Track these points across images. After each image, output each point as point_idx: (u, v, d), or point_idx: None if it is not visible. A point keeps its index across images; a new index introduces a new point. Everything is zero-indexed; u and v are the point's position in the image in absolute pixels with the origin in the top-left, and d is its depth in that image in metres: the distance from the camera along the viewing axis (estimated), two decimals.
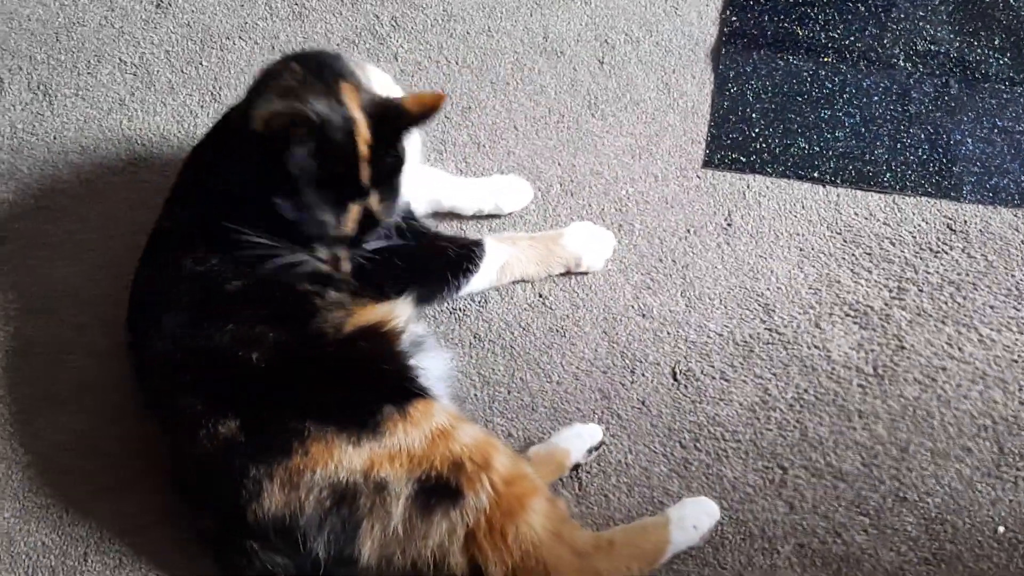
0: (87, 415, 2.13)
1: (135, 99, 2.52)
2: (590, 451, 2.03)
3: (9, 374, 2.18)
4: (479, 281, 2.17)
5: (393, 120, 1.92)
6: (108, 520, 2.03)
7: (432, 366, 1.99)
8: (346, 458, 1.79)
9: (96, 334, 2.21)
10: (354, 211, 1.90)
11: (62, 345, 2.21)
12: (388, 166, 1.92)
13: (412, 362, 1.95)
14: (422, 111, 1.91)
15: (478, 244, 2.16)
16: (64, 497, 2.06)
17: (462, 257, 2.14)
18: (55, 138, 2.46)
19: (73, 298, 2.26)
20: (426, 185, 2.22)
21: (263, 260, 1.91)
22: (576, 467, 2.03)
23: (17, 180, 2.40)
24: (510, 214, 2.33)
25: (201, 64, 2.57)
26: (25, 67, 2.57)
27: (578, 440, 2.03)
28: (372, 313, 1.96)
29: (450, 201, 2.30)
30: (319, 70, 1.93)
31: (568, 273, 2.24)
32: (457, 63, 2.53)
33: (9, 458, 2.10)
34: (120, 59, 2.58)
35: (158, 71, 2.56)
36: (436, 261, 2.14)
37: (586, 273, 2.24)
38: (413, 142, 2.05)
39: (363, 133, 1.87)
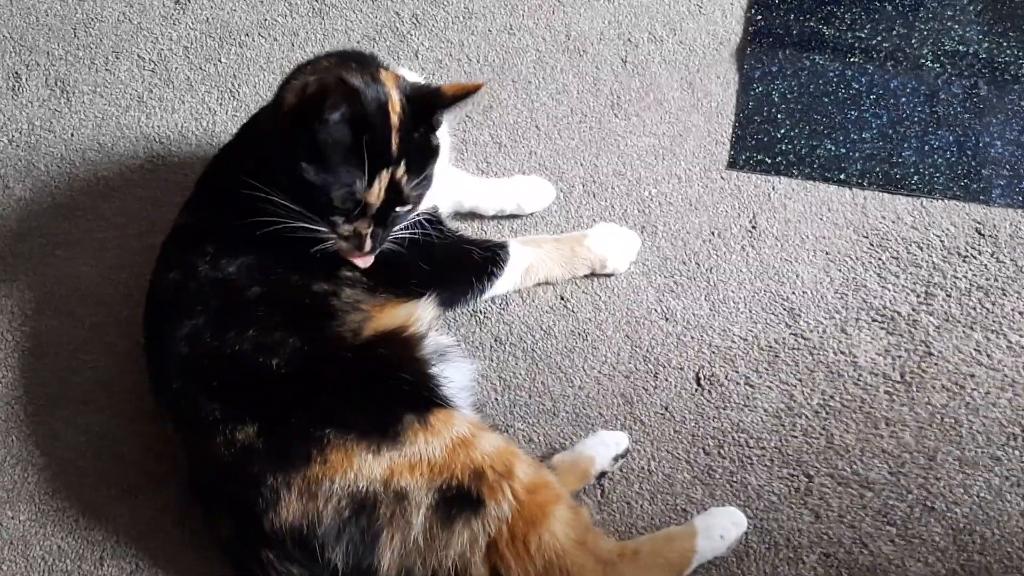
0: (104, 416, 2.11)
1: (153, 96, 2.50)
2: (616, 459, 2.00)
3: (26, 374, 2.16)
4: (503, 284, 2.15)
5: (426, 99, 1.90)
6: (125, 524, 2.01)
7: (456, 376, 1.96)
8: (366, 467, 1.77)
9: (113, 334, 2.19)
10: (382, 178, 1.85)
11: (79, 345, 2.19)
12: (418, 143, 1.89)
13: (434, 370, 1.92)
14: (456, 94, 1.89)
15: (503, 247, 2.13)
16: (80, 500, 2.04)
17: (487, 260, 2.11)
18: (72, 135, 2.44)
19: (90, 297, 2.24)
20: (448, 185, 2.19)
21: (282, 237, 1.86)
22: (601, 475, 2.00)
23: (34, 178, 2.38)
24: (532, 214, 2.31)
25: (220, 61, 2.55)
26: (43, 63, 2.55)
27: (603, 448, 2.00)
28: (391, 317, 1.94)
29: (471, 201, 2.28)
30: (355, 58, 1.94)
31: (592, 275, 2.22)
32: (478, 61, 2.51)
33: (25, 460, 2.08)
34: (138, 55, 2.56)
35: (176, 68, 2.54)
36: (461, 264, 2.11)
37: (611, 275, 2.22)
38: (444, 143, 2.04)
39: (396, 106, 1.85)
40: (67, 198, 2.36)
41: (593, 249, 2.19)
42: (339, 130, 1.79)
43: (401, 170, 1.86)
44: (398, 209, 1.91)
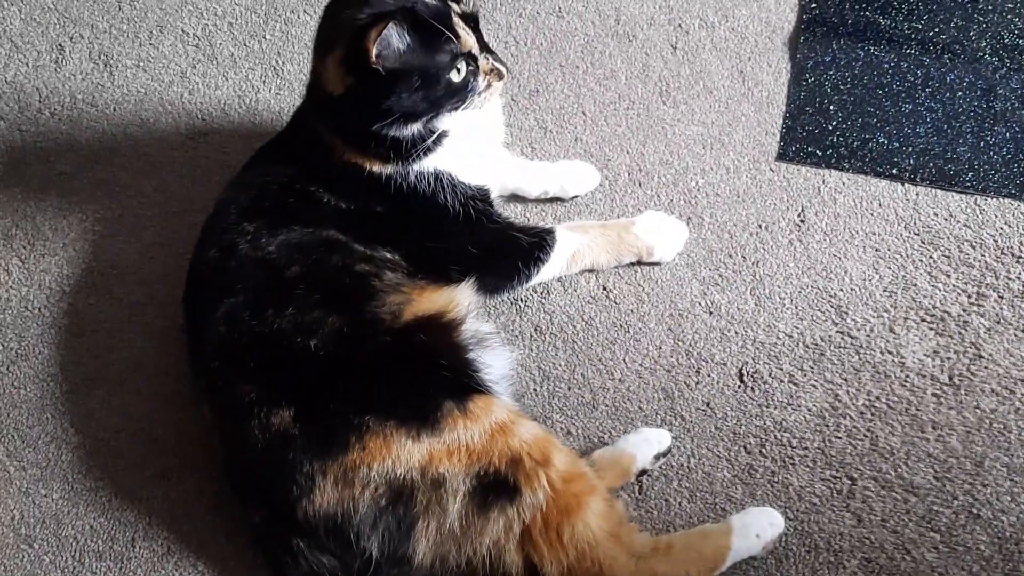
0: (139, 397, 2.10)
1: (196, 72, 2.48)
2: (657, 457, 1.97)
3: (62, 352, 2.15)
4: (549, 270, 2.13)
5: None
6: (157, 506, 2.00)
7: (495, 364, 1.94)
8: (404, 453, 1.74)
9: (152, 314, 2.18)
10: (458, 23, 1.91)
11: (116, 324, 2.18)
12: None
13: (474, 356, 1.90)
14: None
15: (550, 232, 2.11)
16: (113, 481, 2.03)
17: (534, 246, 2.10)
18: (115, 110, 2.43)
19: (129, 276, 2.23)
20: (495, 167, 2.18)
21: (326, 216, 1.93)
22: (642, 473, 1.97)
23: (75, 152, 2.37)
24: (575, 198, 2.28)
25: (264, 37, 2.53)
26: (87, 35, 2.53)
27: (646, 445, 1.97)
28: (431, 302, 1.92)
29: (516, 182, 2.26)
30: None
31: (638, 263, 2.19)
32: (526, 44, 2.47)
33: (60, 438, 2.08)
34: (183, 30, 2.54)
35: (220, 43, 2.52)
36: (508, 249, 2.09)
37: (657, 264, 2.18)
38: (495, 123, 2.12)
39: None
40: (108, 174, 2.35)
41: (640, 236, 2.16)
42: (404, 43, 1.82)
43: (456, 7, 1.94)
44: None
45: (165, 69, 2.48)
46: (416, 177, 1.99)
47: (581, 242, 2.14)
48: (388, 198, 1.99)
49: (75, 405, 2.10)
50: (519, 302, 2.15)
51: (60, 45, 2.52)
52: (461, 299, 1.97)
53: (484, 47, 1.96)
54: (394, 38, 1.80)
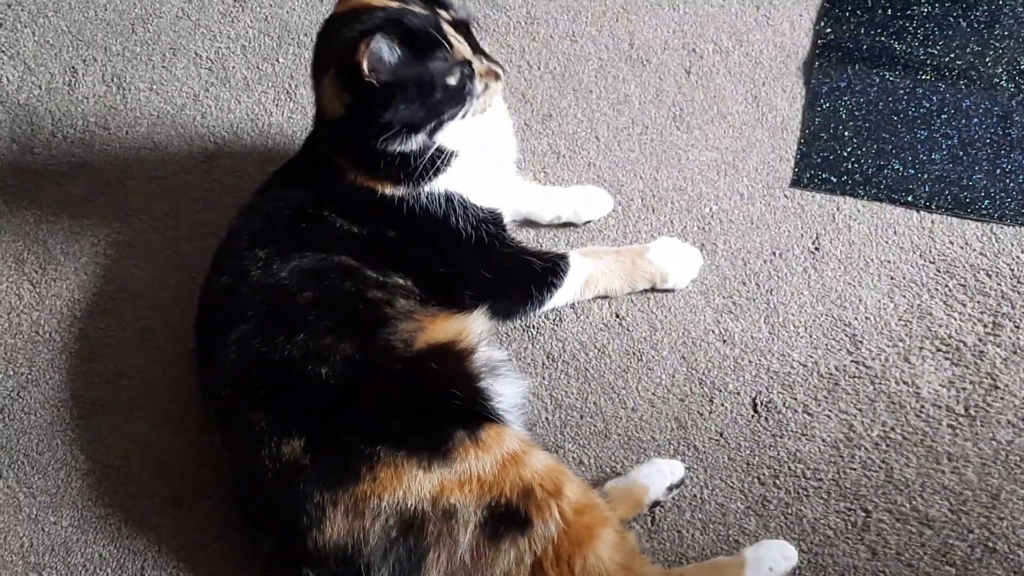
0: (149, 423, 2.09)
1: (209, 95, 2.47)
2: (671, 488, 1.95)
3: (73, 377, 2.15)
4: (563, 296, 2.12)
5: None
6: (167, 534, 1.99)
7: (507, 393, 1.93)
8: (415, 484, 1.73)
9: (162, 339, 2.17)
10: (448, 31, 1.91)
11: (127, 349, 2.17)
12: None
13: (485, 384, 1.89)
14: None
15: (563, 257, 2.11)
16: (123, 508, 2.02)
17: (547, 271, 2.09)
18: (127, 132, 2.43)
19: (140, 300, 2.22)
20: (507, 191, 2.18)
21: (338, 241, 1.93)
22: (655, 504, 1.95)
23: (88, 175, 2.37)
24: (588, 223, 2.27)
25: (278, 61, 2.53)
26: (100, 58, 2.54)
27: (658, 476, 1.96)
28: (444, 330, 1.91)
29: (528, 207, 2.26)
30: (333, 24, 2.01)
31: (652, 290, 2.17)
32: (539, 68, 2.46)
33: (69, 464, 2.07)
34: (196, 53, 2.54)
35: (234, 67, 2.52)
36: (522, 274, 2.09)
37: (671, 291, 2.17)
38: (506, 146, 2.13)
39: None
40: (120, 197, 2.35)
41: (655, 263, 2.15)
42: (395, 56, 1.83)
43: (447, 15, 1.95)
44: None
45: (178, 92, 2.48)
46: (427, 199, 1.99)
47: (595, 268, 2.13)
48: (400, 222, 1.98)
49: (85, 431, 2.10)
50: (531, 329, 2.14)
51: (73, 68, 2.52)
52: (473, 327, 1.95)
53: (477, 50, 1.97)
54: (384, 50, 1.80)
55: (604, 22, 2.50)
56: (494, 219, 2.07)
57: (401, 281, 1.95)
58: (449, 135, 1.97)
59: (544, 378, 2.10)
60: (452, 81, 1.90)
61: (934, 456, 1.97)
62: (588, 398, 2.07)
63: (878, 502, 1.94)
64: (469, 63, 1.92)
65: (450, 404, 1.81)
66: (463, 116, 1.95)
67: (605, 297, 2.18)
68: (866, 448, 1.99)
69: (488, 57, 1.97)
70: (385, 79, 1.84)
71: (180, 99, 2.47)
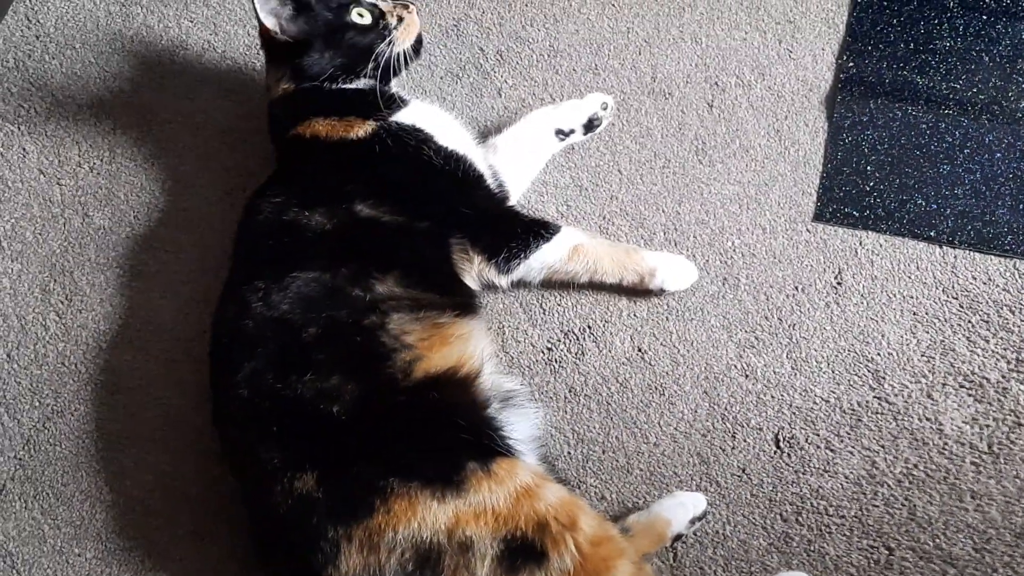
0: (172, 456, 2.11)
1: (235, 128, 2.49)
2: (693, 522, 1.96)
3: (98, 409, 2.16)
4: (550, 252, 2.11)
5: None
6: (190, 567, 2.01)
7: (522, 425, 1.94)
8: (430, 515, 1.73)
9: (185, 370, 2.19)
10: None
11: (151, 381, 2.19)
12: None
13: (494, 414, 1.91)
14: None
15: (554, 223, 2.15)
16: (147, 540, 2.04)
17: (537, 223, 2.13)
18: (153, 164, 2.44)
19: (165, 332, 2.24)
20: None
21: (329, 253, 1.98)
22: (677, 538, 1.95)
23: (113, 206, 2.39)
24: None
25: None
26: (127, 89, 2.55)
27: (680, 509, 1.96)
28: (443, 357, 1.91)
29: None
30: None
31: (644, 291, 2.19)
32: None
33: (94, 496, 2.08)
34: (219, 81, 2.55)
35: (260, 98, 2.52)
36: (506, 213, 2.16)
37: (660, 292, 2.18)
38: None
39: None
40: (145, 229, 2.36)
41: (647, 259, 2.17)
42: (289, 10, 2.12)
43: None
44: None
45: (203, 124, 2.48)
46: (398, 129, 2.08)
47: (586, 240, 2.15)
48: (374, 160, 2.05)
49: (110, 463, 2.11)
50: (553, 363, 2.15)
51: (100, 99, 2.53)
52: (474, 350, 1.96)
53: None
54: (273, 2, 2.08)
55: (626, 55, 2.50)
56: (468, 163, 2.13)
57: (385, 290, 1.94)
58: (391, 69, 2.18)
59: (566, 412, 2.10)
60: (361, 20, 2.14)
61: (957, 494, 1.97)
62: (610, 432, 2.08)
63: (901, 540, 1.93)
64: (369, 3, 2.16)
65: (458, 435, 1.82)
66: (394, 48, 2.16)
67: (593, 283, 2.18)
68: (889, 485, 1.98)
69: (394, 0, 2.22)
70: (294, 32, 2.12)
71: (206, 131, 2.48)
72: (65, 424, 2.15)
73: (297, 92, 2.15)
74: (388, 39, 2.15)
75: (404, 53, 2.18)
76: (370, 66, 2.14)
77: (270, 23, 2.09)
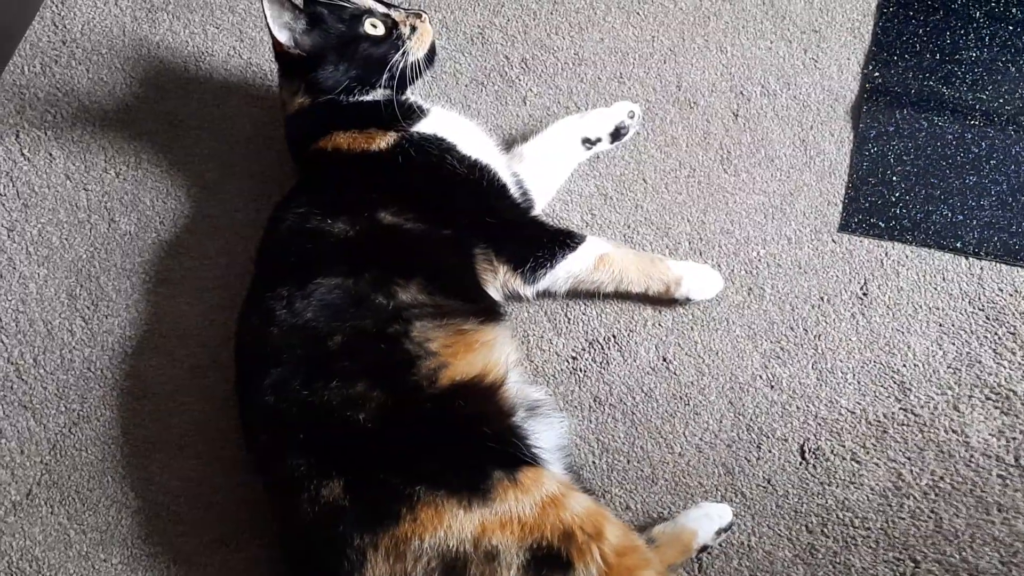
0: (199, 462, 2.11)
1: (261, 134, 2.49)
2: (719, 532, 1.96)
3: (124, 415, 2.17)
4: (576, 261, 2.12)
5: None
6: (215, 573, 2.01)
7: (547, 434, 1.93)
8: (456, 524, 1.73)
9: (212, 377, 2.19)
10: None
11: (177, 387, 2.19)
12: None
13: (519, 423, 1.90)
14: None
15: (579, 233, 2.15)
16: (172, 547, 2.04)
17: (562, 232, 2.13)
18: (179, 170, 2.45)
19: (190, 338, 2.24)
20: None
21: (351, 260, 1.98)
22: (703, 549, 1.95)
23: (139, 212, 2.39)
24: None
25: None
26: (152, 96, 2.56)
27: (707, 520, 1.96)
28: (468, 364, 1.91)
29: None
30: None
31: (670, 301, 2.19)
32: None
33: (120, 502, 2.09)
34: (247, 93, 2.56)
35: (276, 98, 2.53)
36: (530, 224, 2.15)
37: (686, 302, 2.19)
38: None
39: None
40: (171, 235, 2.37)
41: (672, 268, 2.17)
42: (301, 25, 2.10)
43: None
44: None
45: (230, 130, 2.49)
46: (420, 139, 2.08)
47: (612, 249, 2.15)
48: (397, 170, 2.05)
49: (136, 468, 2.12)
50: (578, 372, 2.15)
51: (127, 105, 2.54)
52: (499, 357, 1.96)
53: (390, 6, 2.19)
54: (275, 9, 2.05)
55: (651, 64, 2.50)
56: (492, 172, 2.12)
57: (408, 298, 1.94)
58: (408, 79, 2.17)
59: (591, 421, 2.10)
60: (374, 30, 2.12)
61: (984, 506, 1.96)
62: (635, 442, 2.07)
63: (927, 552, 1.93)
64: (386, 14, 2.15)
65: (483, 443, 1.82)
66: (408, 58, 2.14)
67: (619, 293, 2.18)
68: (915, 497, 1.98)
69: (406, 10, 2.19)
70: (309, 47, 2.10)
71: (231, 138, 2.48)
72: (91, 429, 2.16)
73: (314, 106, 2.14)
74: (402, 49, 2.14)
75: (418, 63, 2.17)
76: (384, 77, 2.13)
77: (283, 37, 2.08)
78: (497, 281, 2.07)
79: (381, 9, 2.16)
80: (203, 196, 2.40)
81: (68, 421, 2.17)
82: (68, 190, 2.43)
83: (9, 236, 2.37)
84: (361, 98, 2.13)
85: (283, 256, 2.01)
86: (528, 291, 2.10)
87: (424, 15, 2.18)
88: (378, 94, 2.15)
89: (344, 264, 1.95)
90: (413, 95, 2.21)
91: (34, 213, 2.40)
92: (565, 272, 2.11)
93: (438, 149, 2.09)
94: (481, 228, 2.06)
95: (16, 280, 2.32)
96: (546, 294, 2.17)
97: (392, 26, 2.14)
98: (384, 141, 2.07)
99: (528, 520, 1.74)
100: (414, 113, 2.14)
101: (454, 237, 2.04)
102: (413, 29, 2.16)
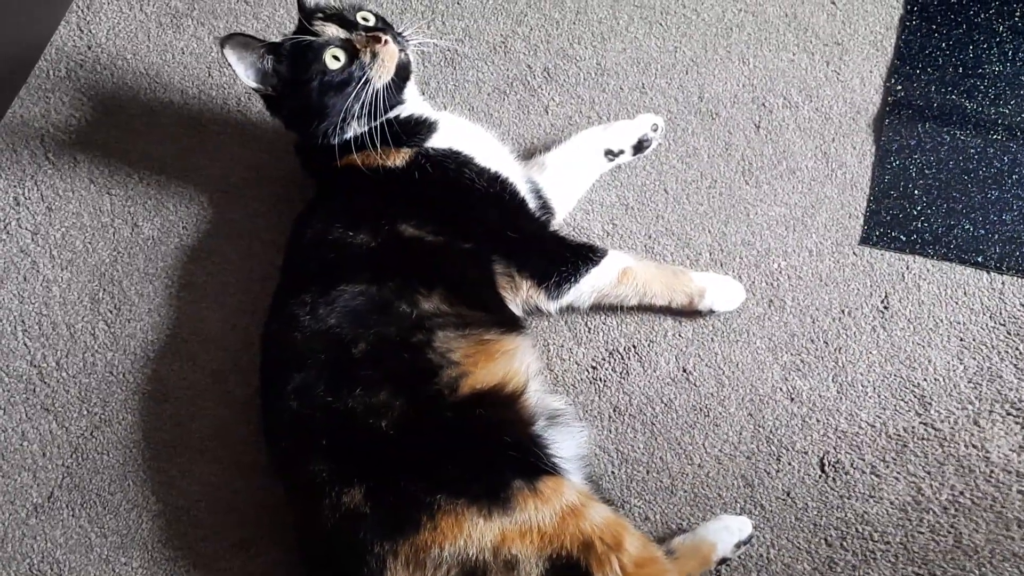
0: (220, 466, 2.12)
1: (283, 141, 2.49)
2: (738, 545, 1.96)
3: (145, 418, 2.18)
4: (599, 276, 2.11)
5: None
6: None
7: (567, 444, 1.93)
8: (476, 532, 1.74)
9: (233, 382, 2.20)
10: (317, 24, 2.06)
11: (199, 391, 2.20)
12: None
13: (540, 432, 1.91)
14: None
15: (600, 247, 2.14)
16: (192, 550, 2.05)
17: (584, 247, 2.11)
18: (202, 174, 2.46)
19: (212, 342, 2.25)
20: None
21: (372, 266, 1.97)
22: (722, 561, 1.95)
23: (163, 217, 2.41)
24: None
25: None
26: (176, 101, 2.57)
27: (726, 533, 1.96)
28: (489, 373, 1.92)
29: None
30: None
31: (693, 312, 2.19)
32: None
33: (140, 505, 2.10)
34: None
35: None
36: (552, 238, 2.13)
37: (710, 313, 2.19)
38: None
39: None
40: (193, 240, 2.37)
41: (695, 280, 2.17)
42: (267, 64, 2.05)
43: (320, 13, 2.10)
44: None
45: (252, 136, 2.50)
46: (435, 154, 2.06)
47: (634, 263, 2.14)
48: (414, 184, 2.04)
49: (157, 472, 2.13)
50: (598, 382, 2.15)
51: (151, 109, 2.55)
52: (519, 366, 1.96)
53: (353, 28, 2.06)
54: (234, 58, 2.02)
55: (674, 75, 2.50)
56: (511, 185, 2.11)
57: (431, 307, 1.95)
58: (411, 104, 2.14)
59: (611, 431, 2.11)
60: (335, 64, 2.01)
61: (1004, 522, 1.96)
62: (655, 453, 2.08)
63: (947, 568, 1.93)
64: (348, 41, 2.03)
65: (504, 452, 1.82)
66: (376, 83, 2.03)
67: (642, 306, 2.18)
68: (934, 512, 1.98)
69: (367, 30, 2.05)
70: (277, 85, 2.07)
71: (254, 143, 2.49)
72: (113, 433, 2.17)
73: (307, 143, 2.13)
74: (363, 78, 2.01)
75: (387, 88, 2.04)
76: (355, 111, 2.03)
77: (250, 77, 2.06)
78: (519, 297, 2.07)
79: (341, 35, 2.04)
80: (225, 201, 2.41)
81: (90, 424, 2.18)
82: (92, 194, 2.44)
83: (33, 239, 2.38)
84: (345, 136, 2.08)
85: (306, 265, 2.02)
86: (552, 306, 2.10)
87: (384, 36, 2.03)
88: (358, 127, 2.07)
89: (367, 271, 1.96)
90: (418, 107, 2.17)
91: (58, 217, 2.41)
92: (589, 286, 2.10)
93: (455, 163, 2.08)
94: (503, 243, 2.06)
95: (39, 283, 2.33)
96: (568, 309, 2.16)
97: (353, 54, 2.03)
98: (400, 158, 2.06)
99: (548, 530, 1.75)
100: (422, 127, 2.12)
101: (474, 251, 2.03)
102: (374, 56, 2.03)
